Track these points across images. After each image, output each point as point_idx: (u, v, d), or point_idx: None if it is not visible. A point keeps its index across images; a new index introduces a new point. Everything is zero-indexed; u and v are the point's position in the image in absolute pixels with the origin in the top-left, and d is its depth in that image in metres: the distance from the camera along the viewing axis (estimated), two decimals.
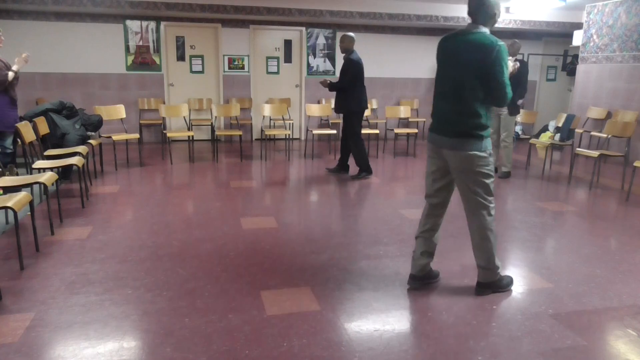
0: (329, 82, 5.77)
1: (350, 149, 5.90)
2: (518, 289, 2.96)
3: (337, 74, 8.93)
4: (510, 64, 6.42)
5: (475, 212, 2.71)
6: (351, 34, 5.68)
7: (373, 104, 9.13)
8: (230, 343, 2.31)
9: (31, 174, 4.36)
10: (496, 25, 9.47)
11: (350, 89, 5.66)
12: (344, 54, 5.74)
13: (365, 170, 5.89)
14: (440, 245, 3.62)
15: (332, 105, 6.22)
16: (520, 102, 5.98)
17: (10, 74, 4.81)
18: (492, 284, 2.85)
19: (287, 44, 8.72)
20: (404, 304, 2.73)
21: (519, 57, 7.92)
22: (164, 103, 8.22)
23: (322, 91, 8.92)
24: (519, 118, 6.87)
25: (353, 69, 5.59)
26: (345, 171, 6.11)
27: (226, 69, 8.41)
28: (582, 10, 8.07)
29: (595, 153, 5.52)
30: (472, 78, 2.54)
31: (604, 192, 5.44)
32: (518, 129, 9.26)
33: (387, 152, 7.79)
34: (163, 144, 7.84)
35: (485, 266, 2.79)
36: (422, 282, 2.91)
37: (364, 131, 7.36)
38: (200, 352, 2.23)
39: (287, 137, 7.48)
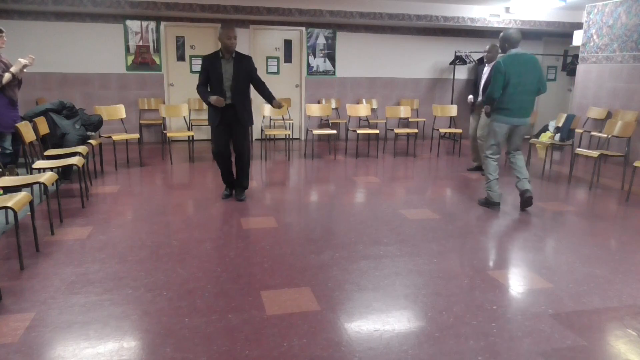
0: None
1: (243, 164, 4.74)
2: (518, 289, 2.96)
3: (338, 74, 8.95)
4: None
5: (521, 152, 4.64)
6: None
7: (373, 103, 9.14)
8: (230, 343, 2.31)
9: (31, 174, 4.36)
10: (496, 25, 9.45)
11: (248, 92, 4.64)
12: (234, 53, 4.47)
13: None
14: (440, 245, 3.67)
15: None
16: (479, 103, 5.73)
17: (7, 76, 4.78)
18: (532, 199, 4.52)
19: (287, 44, 8.73)
20: (404, 304, 2.73)
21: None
22: (164, 103, 8.22)
23: (322, 91, 8.93)
24: None
25: (253, 65, 4.61)
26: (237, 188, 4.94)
27: None
28: (582, 10, 8.07)
29: (595, 153, 5.52)
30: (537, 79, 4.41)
31: (604, 192, 5.44)
32: None
33: (387, 152, 7.79)
34: (163, 144, 7.84)
35: (531, 187, 4.51)
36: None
37: (363, 131, 7.39)
38: (200, 352, 2.23)
39: (287, 137, 7.48)
